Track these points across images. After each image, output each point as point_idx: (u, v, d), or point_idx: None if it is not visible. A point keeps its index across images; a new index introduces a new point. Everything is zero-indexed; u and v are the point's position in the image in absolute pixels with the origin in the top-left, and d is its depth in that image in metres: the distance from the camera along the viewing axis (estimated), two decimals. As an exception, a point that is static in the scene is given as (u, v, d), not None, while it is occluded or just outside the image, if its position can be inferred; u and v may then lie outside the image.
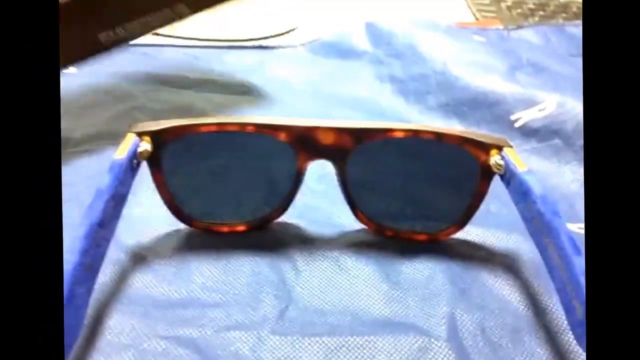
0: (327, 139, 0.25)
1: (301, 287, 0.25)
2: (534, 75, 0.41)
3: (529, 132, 0.36)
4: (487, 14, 0.58)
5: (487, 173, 0.26)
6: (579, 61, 0.48)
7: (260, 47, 0.48)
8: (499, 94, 0.38)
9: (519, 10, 0.61)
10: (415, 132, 0.25)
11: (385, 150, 0.26)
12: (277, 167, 0.26)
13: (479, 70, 0.41)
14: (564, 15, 0.62)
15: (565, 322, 0.23)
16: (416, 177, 0.26)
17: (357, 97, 0.41)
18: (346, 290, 0.25)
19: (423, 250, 0.27)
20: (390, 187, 0.27)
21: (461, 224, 0.27)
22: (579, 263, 0.20)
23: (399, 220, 0.27)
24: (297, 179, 0.26)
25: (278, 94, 0.41)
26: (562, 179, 0.34)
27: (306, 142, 0.25)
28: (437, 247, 0.27)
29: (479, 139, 0.25)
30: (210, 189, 0.27)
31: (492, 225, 0.29)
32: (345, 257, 0.26)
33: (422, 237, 0.28)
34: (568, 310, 0.21)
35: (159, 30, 0.44)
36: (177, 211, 0.27)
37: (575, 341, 0.22)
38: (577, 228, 0.30)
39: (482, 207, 0.31)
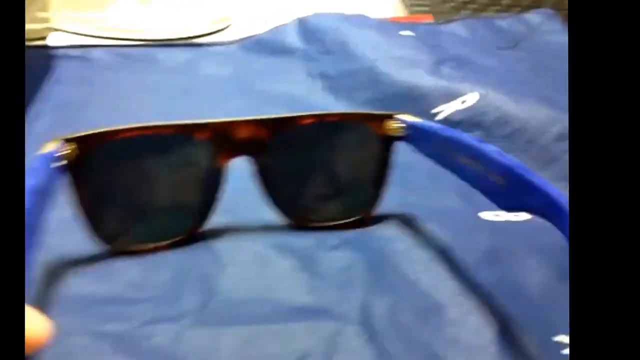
0: (243, 133, 0.26)
1: (224, 281, 0.26)
2: (458, 68, 0.42)
3: (450, 125, 0.38)
4: (419, 8, 0.60)
5: (389, 140, 0.28)
6: (505, 54, 0.50)
7: (193, 44, 0.48)
8: (423, 88, 0.40)
9: (452, 4, 0.63)
10: (321, 117, 0.27)
11: (298, 140, 0.27)
12: (198, 170, 0.27)
13: (406, 65, 0.42)
14: (495, 7, 0.64)
15: (471, 305, 0.24)
16: (329, 162, 0.28)
17: (289, 94, 0.42)
18: (268, 281, 0.26)
19: (344, 242, 0.28)
20: (307, 177, 0.28)
21: (376, 198, 0.30)
22: (490, 147, 0.23)
23: (319, 209, 0.29)
24: (219, 179, 0.27)
25: (209, 93, 0.42)
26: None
27: (224, 139, 0.26)
28: (358, 237, 0.29)
29: (374, 112, 0.28)
30: (130, 204, 0.26)
31: (410, 216, 0.30)
32: (269, 250, 0.27)
33: (345, 223, 0.29)
34: (488, 189, 0.24)
35: (89, 32, 0.44)
36: (96, 229, 0.26)
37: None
38: (494, 215, 0.32)
39: (402, 198, 0.32)
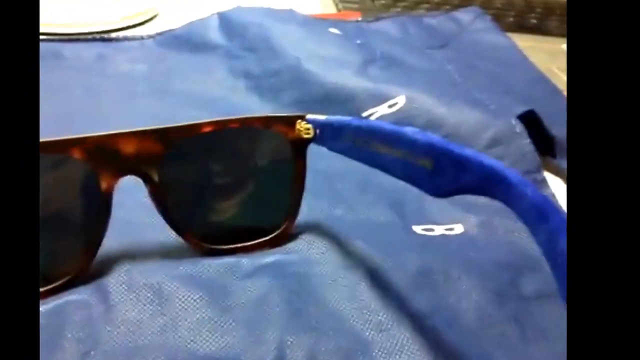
0: (129, 148, 0.22)
1: (111, 326, 0.21)
2: (387, 69, 0.40)
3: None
4: (349, 5, 0.58)
5: (299, 144, 0.26)
6: (435, 54, 0.48)
7: (104, 39, 0.44)
8: (351, 90, 0.37)
9: (381, 1, 0.61)
10: (222, 124, 0.24)
11: (197, 153, 0.24)
12: (79, 196, 0.22)
13: (333, 65, 0.40)
14: (426, 5, 0.62)
15: (401, 338, 0.22)
16: (236, 175, 0.25)
17: (208, 95, 0.39)
18: (164, 323, 0.22)
19: (259, 267, 0.25)
20: (211, 194, 0.25)
21: (293, 214, 0.27)
22: (408, 129, 0.21)
23: (228, 230, 0.26)
24: (104, 207, 0.23)
25: (119, 94, 0.38)
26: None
27: (107, 157, 0.22)
28: (276, 262, 0.26)
29: (281, 115, 0.26)
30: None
31: (336, 232, 0.28)
32: (169, 283, 0.23)
33: (259, 243, 0.26)
34: (418, 177, 0.21)
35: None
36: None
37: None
38: (422, 230, 0.30)
39: (328, 211, 0.30)
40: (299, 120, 0.26)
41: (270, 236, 0.27)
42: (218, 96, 0.39)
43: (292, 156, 0.26)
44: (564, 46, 0.60)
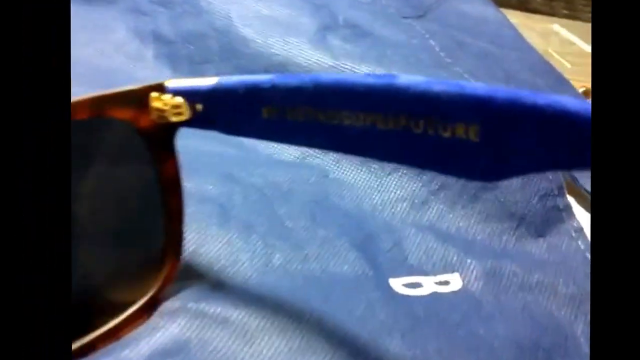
0: None
1: None
2: (353, 41, 0.30)
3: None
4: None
5: (161, 135, 0.16)
6: (413, 25, 0.38)
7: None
8: (302, 66, 0.27)
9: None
10: None
11: None
12: None
13: (279, 30, 0.29)
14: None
15: None
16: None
17: (101, 65, 0.28)
18: None
19: None
20: None
21: (169, 258, 0.17)
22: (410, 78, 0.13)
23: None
24: None
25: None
26: (386, 195, 0.24)
27: None
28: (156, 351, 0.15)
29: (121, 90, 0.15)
30: None
31: (270, 299, 0.17)
32: None
33: (125, 321, 0.16)
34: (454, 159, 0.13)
35: None
36: None
37: None
38: (404, 285, 0.20)
39: (255, 258, 0.19)
40: (155, 94, 0.15)
41: (138, 306, 0.16)
42: (114, 67, 0.28)
43: (152, 160, 0.16)
44: (556, 27, 0.52)
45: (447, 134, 0.13)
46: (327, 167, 0.25)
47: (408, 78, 0.13)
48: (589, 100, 0.11)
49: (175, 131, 0.16)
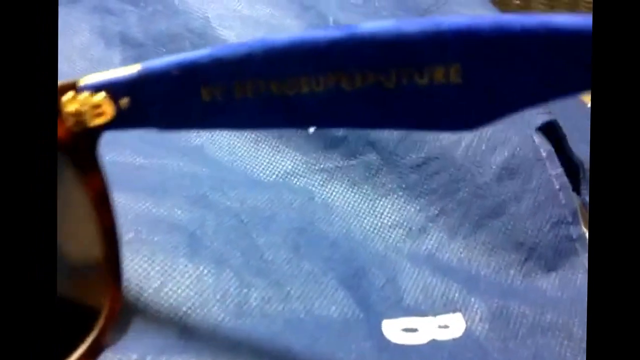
0: None
1: None
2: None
3: (328, 143, 0.23)
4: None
5: (81, 144, 0.13)
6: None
7: None
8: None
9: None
10: None
11: None
12: None
13: (261, 32, 0.26)
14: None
15: None
16: None
17: (61, 71, 0.25)
18: None
19: None
20: None
21: (111, 315, 0.14)
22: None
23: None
24: None
25: None
26: (378, 221, 0.21)
27: None
28: None
29: None
30: None
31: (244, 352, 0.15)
32: None
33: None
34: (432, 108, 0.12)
35: None
36: None
37: None
38: (400, 331, 0.17)
39: (230, 297, 0.17)
40: (68, 96, 0.13)
41: None
42: (75, 74, 0.25)
43: (76, 176, 0.13)
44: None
45: (423, 81, 0.11)
46: (312, 189, 0.22)
47: (372, 25, 0.11)
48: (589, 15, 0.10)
49: (98, 137, 0.13)
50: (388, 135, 0.22)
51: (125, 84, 0.13)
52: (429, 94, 0.11)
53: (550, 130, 0.23)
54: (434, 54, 0.11)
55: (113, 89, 0.13)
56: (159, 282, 0.17)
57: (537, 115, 0.24)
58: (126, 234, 0.18)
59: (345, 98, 0.12)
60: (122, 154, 0.21)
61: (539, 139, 0.22)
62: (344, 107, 0.12)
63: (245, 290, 0.17)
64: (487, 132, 0.22)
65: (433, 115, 0.12)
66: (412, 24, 0.11)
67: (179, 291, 0.17)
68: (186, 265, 0.17)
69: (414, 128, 0.12)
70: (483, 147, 0.22)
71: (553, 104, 0.28)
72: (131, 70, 0.13)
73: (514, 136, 0.22)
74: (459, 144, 0.22)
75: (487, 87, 0.11)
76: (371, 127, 0.14)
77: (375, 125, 0.13)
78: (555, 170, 0.22)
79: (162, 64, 0.13)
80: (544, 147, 0.22)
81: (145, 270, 0.17)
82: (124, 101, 0.13)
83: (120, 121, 0.13)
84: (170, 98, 0.13)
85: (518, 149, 0.22)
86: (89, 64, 0.26)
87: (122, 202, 0.19)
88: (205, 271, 0.17)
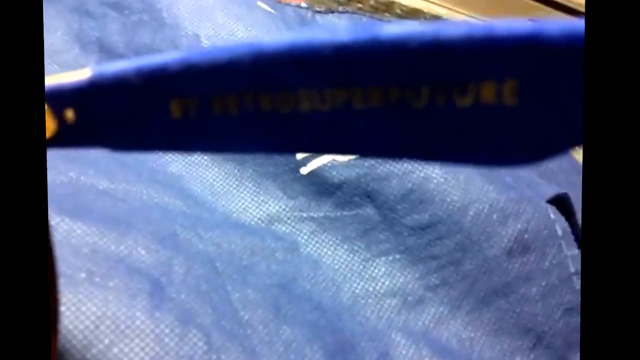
0: None
1: None
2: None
3: (321, 189, 0.20)
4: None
5: None
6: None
7: None
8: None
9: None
10: None
11: None
12: None
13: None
14: (386, 14, 0.48)
15: None
16: None
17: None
18: None
19: None
20: None
21: None
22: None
23: None
24: None
25: None
26: (370, 285, 0.18)
27: None
28: None
29: None
30: None
31: None
32: None
33: None
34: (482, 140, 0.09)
35: None
36: None
37: None
38: None
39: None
40: None
41: None
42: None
43: None
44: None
45: (466, 101, 0.09)
46: (298, 239, 0.19)
47: (400, 27, 0.08)
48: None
49: None
50: (389, 189, 0.20)
51: (71, 92, 0.10)
52: (471, 117, 0.09)
53: (562, 205, 0.21)
54: (483, 66, 0.08)
55: (56, 98, 0.10)
56: (108, 340, 0.14)
57: (544, 185, 0.22)
58: (77, 273, 0.15)
59: (358, 118, 0.09)
60: (84, 173, 0.18)
61: (554, 214, 0.20)
62: (355, 129, 0.09)
63: (213, 358, 0.14)
64: (500, 200, 0.20)
65: (475, 144, 0.09)
66: (454, 28, 0.08)
67: (132, 354, 0.14)
68: (144, 322, 0.14)
69: (446, 160, 0.10)
70: (494, 217, 0.19)
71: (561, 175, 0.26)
72: (80, 75, 0.10)
73: (528, 208, 0.20)
74: (468, 209, 0.19)
75: (551, 111, 0.08)
76: (389, 156, 0.11)
77: (394, 154, 0.10)
78: (572, 251, 0.20)
79: (120, 70, 0.10)
80: (560, 224, 0.20)
81: (94, 323, 0.14)
82: (69, 114, 0.10)
83: (64, 138, 0.10)
84: (129, 112, 0.10)
85: (532, 222, 0.20)
86: (59, 69, 0.23)
87: (77, 232, 0.16)
88: (167, 330, 0.14)
